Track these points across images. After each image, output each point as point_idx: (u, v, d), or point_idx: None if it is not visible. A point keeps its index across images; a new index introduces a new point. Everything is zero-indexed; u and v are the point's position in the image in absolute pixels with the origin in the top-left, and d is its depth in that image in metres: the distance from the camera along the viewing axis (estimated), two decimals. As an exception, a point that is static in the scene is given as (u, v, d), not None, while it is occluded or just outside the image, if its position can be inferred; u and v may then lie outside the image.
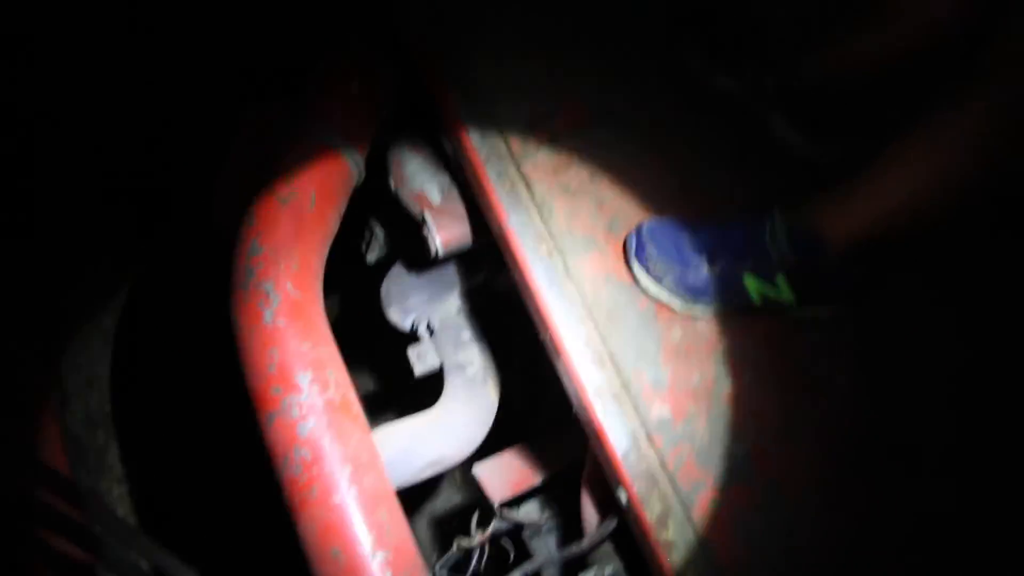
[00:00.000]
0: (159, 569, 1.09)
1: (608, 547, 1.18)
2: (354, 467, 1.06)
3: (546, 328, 1.11)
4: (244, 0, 1.47)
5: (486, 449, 1.31)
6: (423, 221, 1.26)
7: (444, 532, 1.74)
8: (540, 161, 1.21)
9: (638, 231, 1.17)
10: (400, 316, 1.36)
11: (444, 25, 1.28)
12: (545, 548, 1.25)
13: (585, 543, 1.15)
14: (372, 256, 1.43)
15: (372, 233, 1.42)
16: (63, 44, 1.43)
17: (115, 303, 1.74)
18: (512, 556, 1.24)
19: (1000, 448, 1.14)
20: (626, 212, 1.21)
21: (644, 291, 1.16)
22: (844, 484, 1.10)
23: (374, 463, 1.10)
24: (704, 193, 1.25)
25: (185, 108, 1.57)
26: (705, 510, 1.04)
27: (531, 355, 1.21)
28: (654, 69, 1.34)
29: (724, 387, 1.12)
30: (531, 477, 1.28)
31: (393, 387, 1.81)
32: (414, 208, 1.28)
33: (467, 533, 1.21)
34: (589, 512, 1.17)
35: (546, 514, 1.28)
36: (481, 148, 1.20)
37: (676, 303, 1.15)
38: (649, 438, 1.06)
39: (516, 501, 1.27)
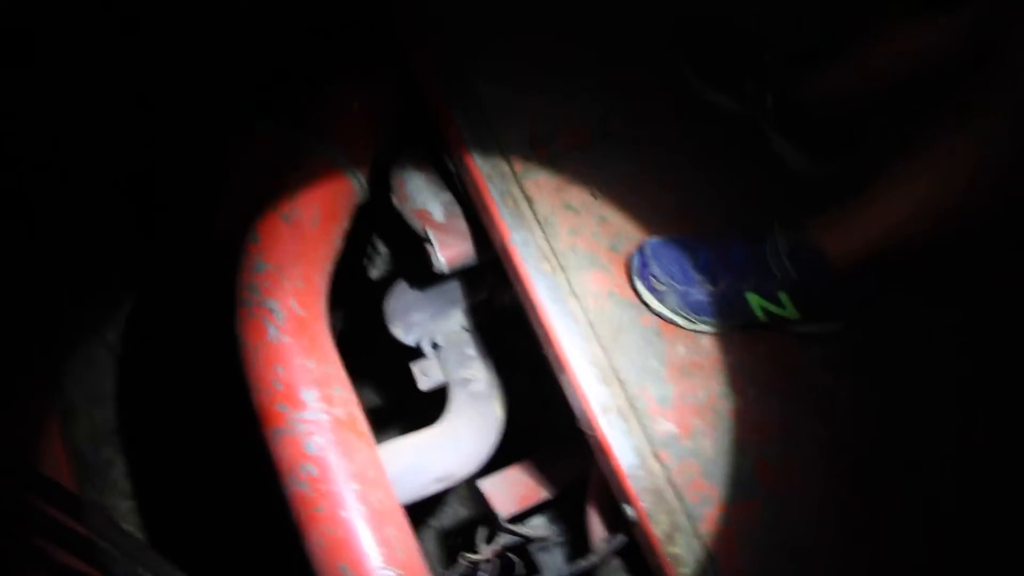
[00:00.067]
0: (166, 582, 1.10)
1: (616, 562, 1.18)
2: (361, 483, 1.07)
3: (550, 344, 1.12)
4: (252, 14, 1.48)
5: (492, 465, 1.32)
6: (426, 239, 1.27)
7: (450, 546, 1.74)
8: (542, 179, 1.22)
9: (641, 249, 1.18)
10: (403, 332, 1.37)
11: (447, 45, 1.29)
12: (553, 563, 1.26)
13: (594, 558, 1.16)
14: (375, 272, 1.44)
15: (375, 250, 1.43)
16: (68, 47, 1.44)
17: (118, 317, 1.75)
18: (519, 571, 1.25)
19: (1005, 460, 1.15)
20: (628, 230, 1.22)
21: (648, 308, 1.17)
22: (848, 498, 1.11)
23: (381, 479, 1.11)
24: (705, 211, 1.26)
25: (189, 119, 1.57)
26: (712, 525, 1.05)
27: (535, 371, 1.22)
28: (655, 87, 1.35)
29: (729, 403, 1.13)
30: (537, 492, 1.28)
31: (397, 402, 1.81)
32: (417, 225, 1.28)
33: (473, 548, 1.22)
34: (596, 527, 1.17)
35: (553, 529, 1.28)
36: (483, 166, 1.21)
37: (680, 320, 1.16)
38: (655, 454, 1.07)
39: (522, 516, 1.28)
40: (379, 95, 1.34)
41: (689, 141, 1.32)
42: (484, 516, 1.27)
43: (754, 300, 1.13)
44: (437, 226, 1.28)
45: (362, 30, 1.39)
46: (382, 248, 1.41)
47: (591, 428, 1.08)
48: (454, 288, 1.39)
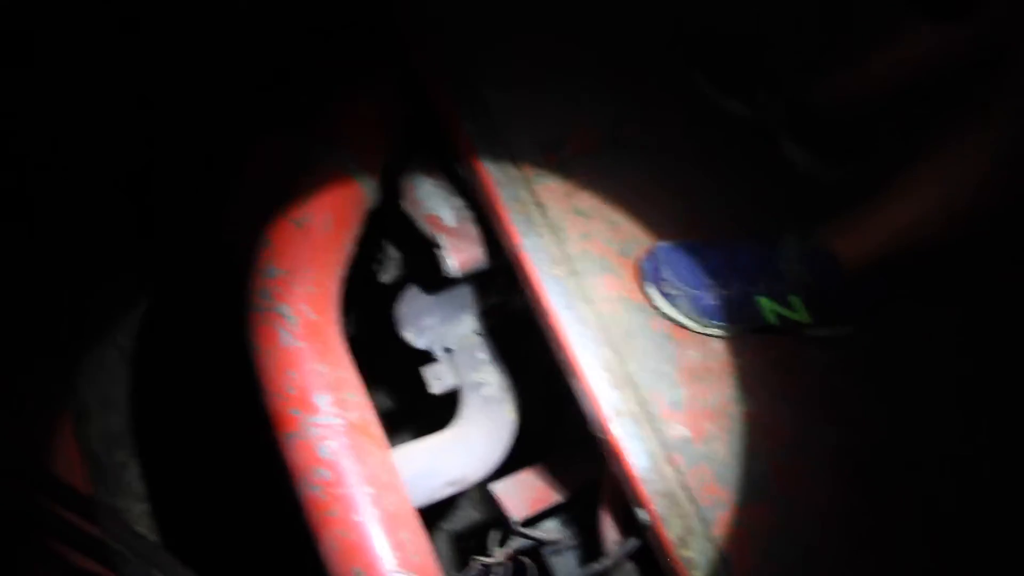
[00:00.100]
0: (180, 584, 1.11)
1: (629, 566, 1.18)
2: (375, 487, 1.07)
3: (562, 349, 1.13)
4: (252, 14, 1.48)
5: (504, 469, 1.32)
6: (437, 243, 1.27)
7: (462, 550, 1.74)
8: (553, 184, 1.23)
9: (653, 254, 1.18)
10: (415, 336, 1.38)
11: (447, 45, 1.29)
12: (565, 566, 1.26)
13: (607, 561, 1.16)
14: (386, 277, 1.44)
15: (386, 254, 1.43)
16: (68, 47, 1.44)
17: (130, 320, 1.75)
18: (531, 574, 1.25)
19: (1015, 462, 1.15)
20: (638, 235, 1.23)
21: (659, 312, 1.17)
22: (861, 501, 1.11)
23: (394, 483, 1.11)
24: (716, 215, 1.26)
25: (189, 119, 1.57)
26: (725, 528, 1.05)
27: (547, 375, 1.23)
28: (665, 92, 1.35)
29: (740, 406, 1.13)
30: (549, 496, 1.29)
31: (409, 406, 1.82)
32: (428, 230, 1.29)
33: (486, 551, 1.22)
34: (608, 531, 1.18)
35: (565, 532, 1.28)
36: (494, 172, 1.21)
37: (691, 324, 1.16)
38: (668, 458, 1.07)
39: (534, 520, 1.28)
40: (385, 99, 1.35)
41: (698, 146, 1.32)
42: (497, 519, 1.27)
43: (765, 304, 1.14)
44: (448, 231, 1.28)
45: (362, 30, 1.39)
46: (393, 253, 1.41)
47: (603, 432, 1.08)
48: (465, 293, 1.39)
